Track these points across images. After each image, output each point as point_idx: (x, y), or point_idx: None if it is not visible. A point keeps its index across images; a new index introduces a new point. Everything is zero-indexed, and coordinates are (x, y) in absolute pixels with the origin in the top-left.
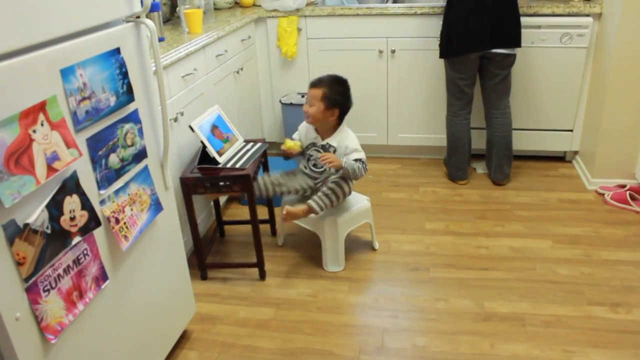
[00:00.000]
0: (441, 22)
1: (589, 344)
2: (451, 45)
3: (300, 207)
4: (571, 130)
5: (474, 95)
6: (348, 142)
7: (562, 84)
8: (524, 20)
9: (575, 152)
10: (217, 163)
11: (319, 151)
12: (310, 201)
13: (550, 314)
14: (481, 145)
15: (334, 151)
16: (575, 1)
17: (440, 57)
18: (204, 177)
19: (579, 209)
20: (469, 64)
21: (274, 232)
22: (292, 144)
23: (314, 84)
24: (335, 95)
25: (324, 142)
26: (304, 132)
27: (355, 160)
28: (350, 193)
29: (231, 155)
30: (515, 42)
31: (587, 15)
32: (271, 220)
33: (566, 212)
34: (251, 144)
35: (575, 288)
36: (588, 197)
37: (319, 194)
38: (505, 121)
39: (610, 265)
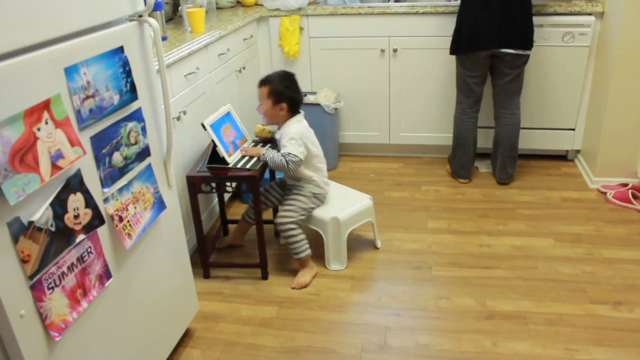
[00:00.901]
0: (444, 21)
1: (591, 342)
2: (460, 43)
3: (303, 272)
4: (573, 129)
5: (484, 95)
6: (285, 133)
7: (564, 83)
8: None
9: (578, 151)
10: (227, 163)
11: (277, 144)
12: (295, 257)
13: (552, 312)
14: (485, 145)
15: (278, 142)
16: (577, 0)
17: (450, 53)
18: (211, 176)
19: (581, 208)
20: (479, 62)
21: (277, 231)
22: (259, 129)
23: (260, 83)
24: (281, 89)
25: (276, 136)
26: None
27: (283, 154)
28: (314, 206)
29: (241, 156)
30: (524, 44)
31: (590, 14)
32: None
33: (568, 211)
34: (260, 144)
35: (577, 286)
36: (590, 196)
37: (288, 246)
38: (513, 122)
39: (613, 263)
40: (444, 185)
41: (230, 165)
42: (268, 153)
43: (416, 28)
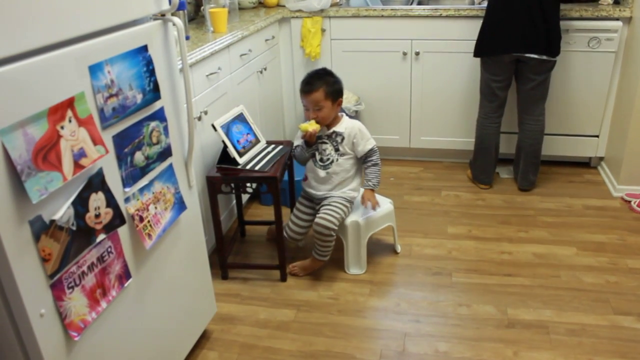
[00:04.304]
0: (468, 25)
1: (615, 355)
2: (483, 45)
3: (307, 262)
4: (597, 136)
5: (508, 100)
6: (356, 130)
7: (589, 89)
8: None
9: (601, 158)
10: (237, 163)
11: (325, 142)
12: (316, 257)
13: (575, 322)
14: (507, 150)
15: (342, 139)
16: (604, 5)
17: (474, 55)
18: (231, 177)
19: (604, 216)
20: (503, 66)
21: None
22: (306, 125)
23: (309, 90)
24: (334, 86)
25: (330, 132)
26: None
27: (369, 151)
28: (347, 213)
29: (252, 157)
30: (549, 50)
31: (617, 19)
32: None
33: (591, 219)
34: (272, 146)
35: (600, 296)
36: (614, 204)
37: (316, 245)
38: (537, 128)
39: (637, 274)
40: (464, 191)
41: (240, 166)
42: (374, 181)
43: (439, 31)
